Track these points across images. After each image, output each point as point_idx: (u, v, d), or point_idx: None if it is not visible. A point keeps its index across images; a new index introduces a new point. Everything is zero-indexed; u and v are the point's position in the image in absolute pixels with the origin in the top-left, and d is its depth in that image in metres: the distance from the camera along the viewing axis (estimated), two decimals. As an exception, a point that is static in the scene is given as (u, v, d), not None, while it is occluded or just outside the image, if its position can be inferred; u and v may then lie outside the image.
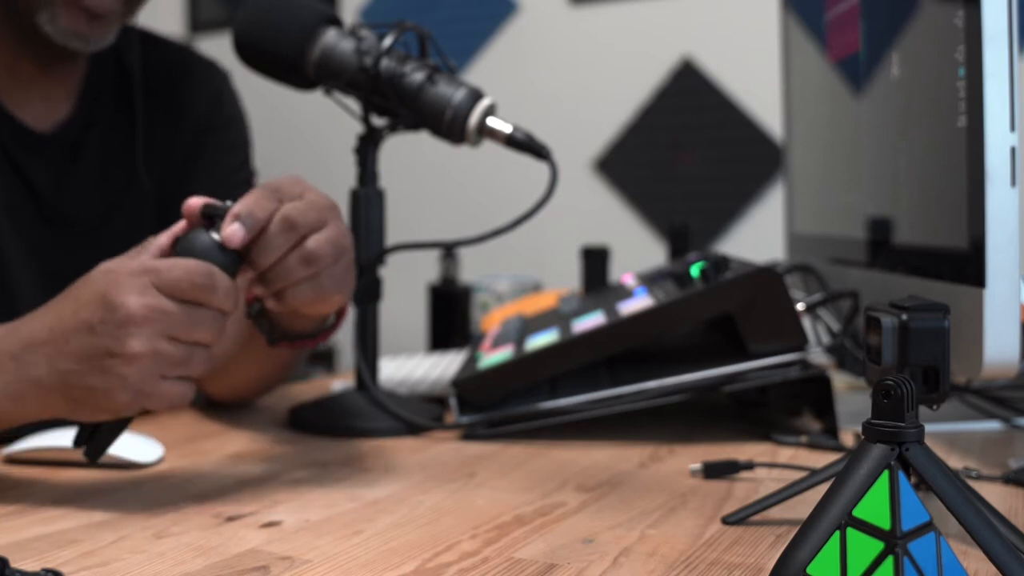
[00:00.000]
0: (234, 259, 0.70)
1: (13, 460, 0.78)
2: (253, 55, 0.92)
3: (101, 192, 1.06)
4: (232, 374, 0.98)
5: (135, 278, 0.66)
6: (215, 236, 0.69)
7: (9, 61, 1.00)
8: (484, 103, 0.88)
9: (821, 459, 0.76)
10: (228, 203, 0.70)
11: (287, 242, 0.71)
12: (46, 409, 0.68)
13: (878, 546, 0.45)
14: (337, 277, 0.75)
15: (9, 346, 0.68)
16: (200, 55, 1.17)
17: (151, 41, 1.12)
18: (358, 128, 0.94)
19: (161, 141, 1.09)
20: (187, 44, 1.20)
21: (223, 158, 1.13)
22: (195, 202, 0.71)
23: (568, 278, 1.67)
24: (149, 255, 0.69)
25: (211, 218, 0.70)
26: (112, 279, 0.66)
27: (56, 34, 0.95)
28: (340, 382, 1.16)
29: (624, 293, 1.01)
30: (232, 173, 1.14)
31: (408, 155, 2.09)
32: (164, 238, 0.71)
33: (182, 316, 0.66)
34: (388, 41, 0.88)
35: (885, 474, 0.47)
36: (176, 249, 0.70)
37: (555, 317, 1.03)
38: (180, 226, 0.72)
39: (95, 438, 0.69)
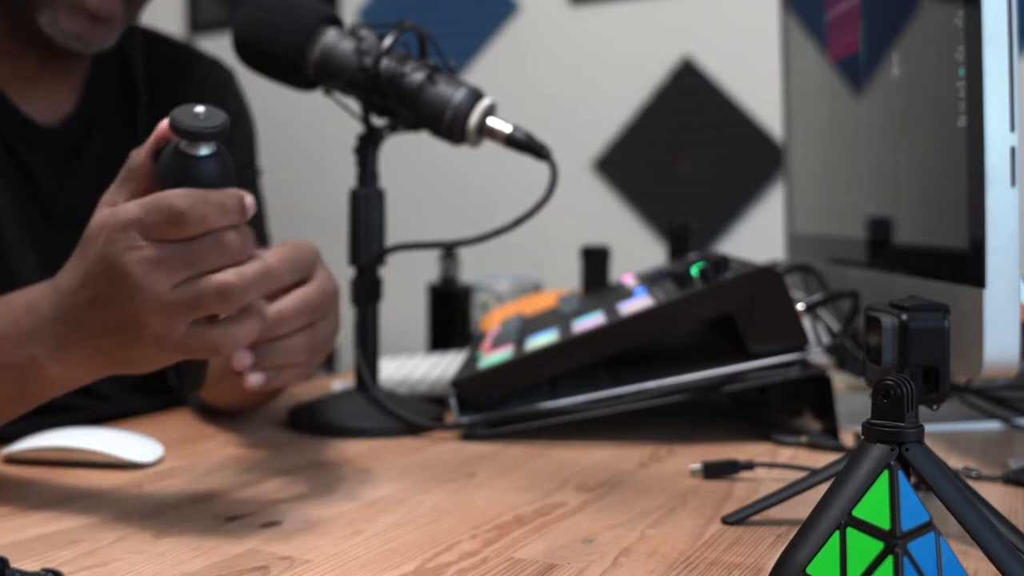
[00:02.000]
0: (222, 171, 0.64)
1: (13, 460, 0.78)
2: (253, 55, 0.92)
3: (103, 189, 1.05)
4: (220, 387, 0.97)
5: (125, 234, 0.62)
6: (191, 150, 0.63)
7: (13, 57, 1.00)
8: (484, 103, 0.88)
9: (821, 459, 0.76)
10: (198, 109, 0.63)
11: (300, 323, 0.72)
12: (91, 371, 0.67)
13: (878, 546, 0.45)
14: (316, 365, 0.77)
15: (48, 344, 0.67)
16: (203, 53, 1.17)
17: (154, 40, 1.12)
18: (358, 128, 0.94)
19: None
20: (190, 43, 1.20)
21: None
22: (163, 124, 0.65)
23: (568, 278, 1.67)
24: (130, 193, 0.66)
25: (182, 133, 0.63)
26: (107, 239, 0.63)
27: (57, 36, 0.95)
28: (340, 382, 1.16)
29: (624, 293, 1.01)
30: (237, 172, 1.14)
31: (408, 155, 2.09)
32: (141, 155, 0.66)
33: (183, 256, 0.62)
34: (388, 41, 0.88)
35: (885, 474, 0.47)
36: (156, 177, 0.65)
37: (555, 317, 1.03)
38: (154, 138, 0.66)
39: (181, 377, 0.69)
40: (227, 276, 0.63)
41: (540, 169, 0.89)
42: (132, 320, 0.63)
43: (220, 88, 1.15)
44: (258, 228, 1.14)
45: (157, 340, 0.63)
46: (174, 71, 1.12)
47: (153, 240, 0.62)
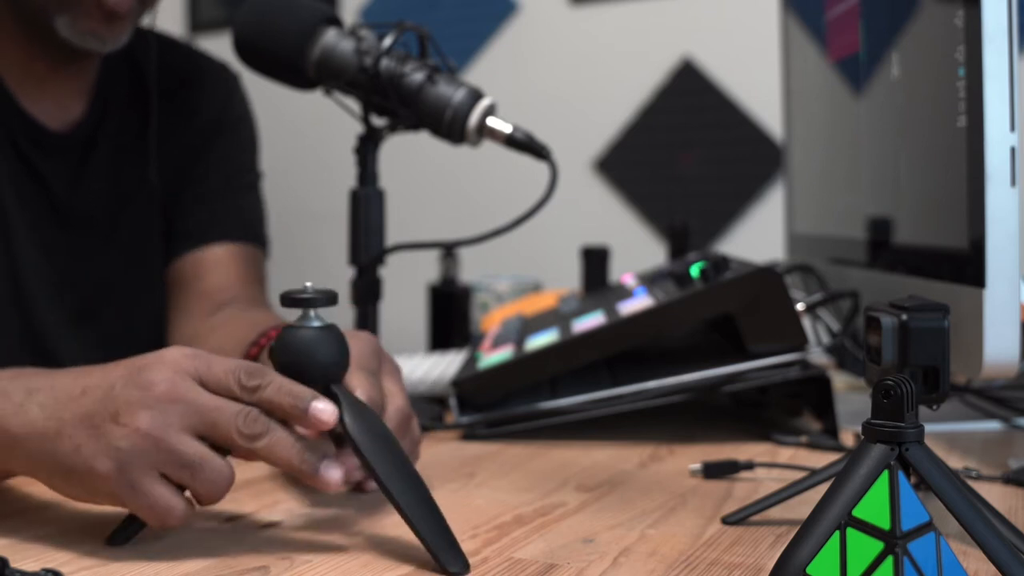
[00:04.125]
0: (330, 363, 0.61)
1: (13, 460, 0.78)
2: (253, 55, 0.92)
3: (112, 192, 1.07)
4: None
5: (183, 359, 0.58)
6: (314, 325, 0.61)
7: (23, 60, 1.00)
8: (484, 103, 0.88)
9: (821, 459, 0.76)
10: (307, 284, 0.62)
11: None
12: (31, 457, 0.59)
13: (878, 546, 0.45)
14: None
15: (34, 382, 0.61)
16: (211, 57, 1.18)
17: (163, 43, 1.13)
18: (358, 128, 0.94)
19: (171, 142, 1.09)
20: (192, 44, 1.20)
21: (232, 159, 1.14)
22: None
23: (568, 278, 1.67)
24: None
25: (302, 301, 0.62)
26: (162, 353, 0.59)
27: (75, 37, 0.95)
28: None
29: (624, 293, 1.01)
30: (240, 175, 1.15)
31: (408, 155, 2.09)
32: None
33: (211, 410, 0.57)
34: (388, 41, 0.88)
35: (885, 474, 0.47)
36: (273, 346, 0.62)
37: (555, 317, 1.03)
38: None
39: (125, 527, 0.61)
40: (229, 468, 0.58)
41: (540, 169, 0.89)
42: (119, 424, 0.56)
43: (227, 92, 1.16)
44: (258, 232, 1.14)
45: (121, 461, 0.56)
46: (182, 74, 1.12)
47: (204, 384, 0.58)
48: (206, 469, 0.57)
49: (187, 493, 0.58)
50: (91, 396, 0.58)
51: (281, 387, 0.59)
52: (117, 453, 0.56)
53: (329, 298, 0.61)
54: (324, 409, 0.58)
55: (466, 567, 0.56)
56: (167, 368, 0.58)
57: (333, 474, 0.59)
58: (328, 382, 0.61)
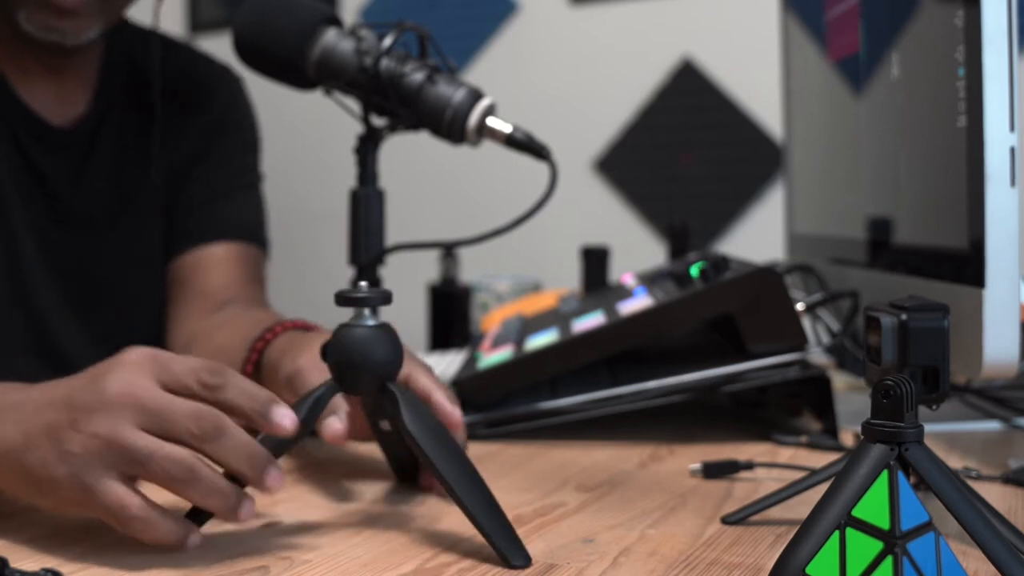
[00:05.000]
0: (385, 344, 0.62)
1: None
2: (253, 55, 0.92)
3: (113, 190, 1.07)
4: None
5: (140, 360, 0.59)
6: (369, 323, 0.62)
7: (20, 56, 1.01)
8: (484, 103, 0.88)
9: (821, 459, 0.76)
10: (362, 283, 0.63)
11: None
12: (7, 472, 0.59)
13: (877, 546, 0.45)
14: None
15: (11, 398, 0.61)
16: (214, 60, 1.18)
17: (166, 44, 1.13)
18: (358, 128, 0.94)
19: (172, 142, 1.10)
20: (200, 49, 1.21)
21: (234, 160, 1.14)
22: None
23: (568, 278, 1.67)
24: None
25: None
26: (119, 356, 0.59)
27: (34, 31, 0.96)
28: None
29: (624, 293, 1.01)
30: (241, 175, 1.15)
31: (408, 155, 2.09)
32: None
33: (169, 406, 0.57)
34: (388, 41, 0.88)
35: (884, 474, 0.47)
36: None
37: (555, 317, 1.03)
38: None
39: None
40: (183, 454, 0.57)
41: (540, 169, 0.89)
42: (77, 431, 0.56)
43: (230, 94, 1.16)
44: (258, 233, 1.14)
45: (75, 465, 0.56)
46: (187, 76, 1.13)
47: (162, 383, 0.58)
48: (156, 458, 0.56)
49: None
50: (55, 407, 0.58)
51: (241, 389, 0.59)
52: (71, 458, 0.56)
53: (384, 297, 0.62)
54: (285, 415, 0.59)
55: (528, 561, 0.56)
56: (123, 370, 0.58)
57: (273, 480, 0.59)
58: (384, 380, 0.62)
